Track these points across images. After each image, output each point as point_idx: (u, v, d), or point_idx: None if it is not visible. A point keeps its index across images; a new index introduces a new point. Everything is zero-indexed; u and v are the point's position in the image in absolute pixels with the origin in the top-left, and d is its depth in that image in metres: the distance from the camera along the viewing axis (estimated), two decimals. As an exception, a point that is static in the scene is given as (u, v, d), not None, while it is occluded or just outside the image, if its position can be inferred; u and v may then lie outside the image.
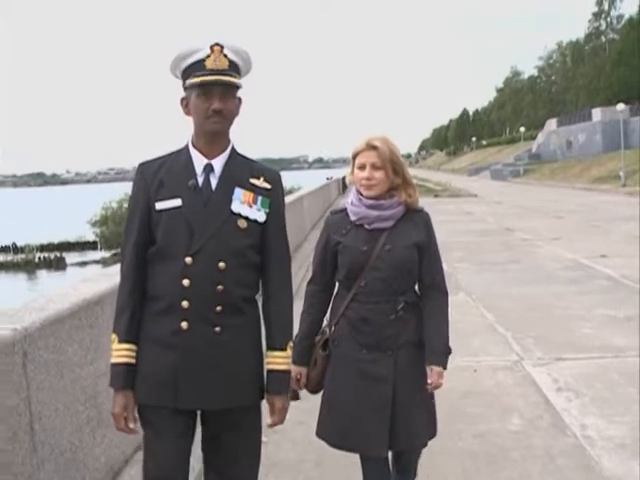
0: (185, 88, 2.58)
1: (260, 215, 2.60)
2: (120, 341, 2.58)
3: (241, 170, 2.62)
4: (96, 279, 4.23)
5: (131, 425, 2.59)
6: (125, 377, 2.56)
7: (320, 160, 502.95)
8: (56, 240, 42.70)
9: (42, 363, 3.06)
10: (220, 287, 2.51)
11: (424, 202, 3.45)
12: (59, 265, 37.47)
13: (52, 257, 38.35)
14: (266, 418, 2.68)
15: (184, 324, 2.52)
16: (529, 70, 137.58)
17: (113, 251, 35.93)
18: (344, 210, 3.25)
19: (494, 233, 18.36)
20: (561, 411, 5.14)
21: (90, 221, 41.27)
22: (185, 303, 2.51)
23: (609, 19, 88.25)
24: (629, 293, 9.50)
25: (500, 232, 18.65)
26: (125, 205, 33.29)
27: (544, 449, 4.47)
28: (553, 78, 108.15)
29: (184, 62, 2.53)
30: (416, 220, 3.19)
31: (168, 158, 2.65)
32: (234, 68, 2.54)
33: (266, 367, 2.67)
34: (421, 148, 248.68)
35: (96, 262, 36.65)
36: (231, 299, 2.55)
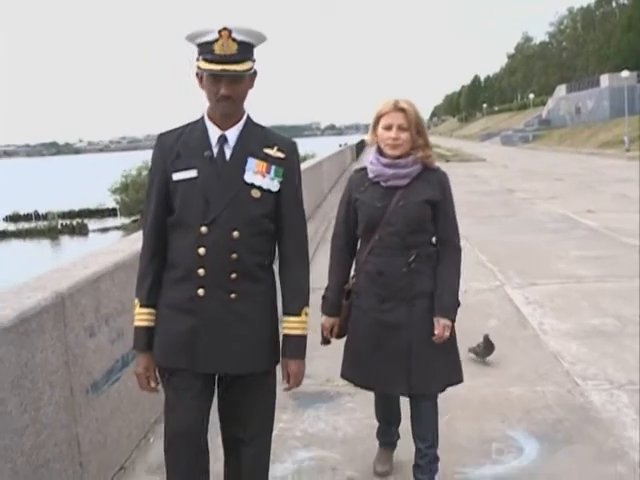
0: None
1: (274, 184, 2.60)
2: (142, 305, 2.66)
3: (255, 140, 2.62)
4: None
5: (152, 384, 2.69)
6: (147, 339, 2.64)
7: (332, 127, 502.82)
8: (77, 207, 43.76)
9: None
10: (234, 255, 2.54)
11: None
12: (81, 231, 38.60)
13: (74, 224, 39.42)
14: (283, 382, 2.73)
15: (200, 291, 2.55)
16: (540, 36, 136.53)
17: (133, 217, 36.98)
18: (365, 169, 3.36)
19: (496, 193, 19.79)
20: (527, 315, 6.76)
21: (110, 188, 42.03)
22: (201, 271, 2.53)
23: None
24: (603, 239, 11.08)
25: (502, 192, 20.07)
26: (144, 173, 33.84)
27: (510, 337, 6.08)
28: (564, 44, 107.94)
29: (195, 40, 2.50)
30: (431, 178, 3.30)
31: (185, 129, 2.65)
32: (244, 49, 2.48)
33: (281, 332, 2.69)
34: (433, 114, 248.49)
35: (117, 228, 37.84)
36: (245, 266, 2.56)
